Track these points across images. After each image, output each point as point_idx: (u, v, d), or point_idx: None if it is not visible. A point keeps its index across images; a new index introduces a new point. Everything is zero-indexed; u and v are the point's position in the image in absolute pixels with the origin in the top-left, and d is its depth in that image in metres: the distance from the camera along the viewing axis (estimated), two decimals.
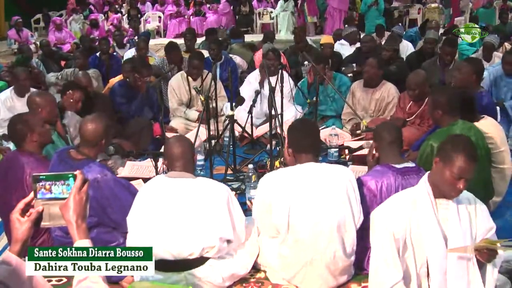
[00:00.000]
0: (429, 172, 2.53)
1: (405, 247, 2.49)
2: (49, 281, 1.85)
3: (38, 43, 10.26)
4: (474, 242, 2.45)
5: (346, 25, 9.86)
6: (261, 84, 5.45)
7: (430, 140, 3.31)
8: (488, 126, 3.60)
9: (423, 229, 2.45)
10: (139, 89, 5.31)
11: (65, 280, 2.95)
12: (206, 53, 6.83)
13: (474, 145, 2.48)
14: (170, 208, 2.72)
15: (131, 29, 12.61)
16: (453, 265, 2.43)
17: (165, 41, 13.51)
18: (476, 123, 3.55)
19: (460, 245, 2.41)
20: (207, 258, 2.79)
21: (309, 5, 13.12)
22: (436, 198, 2.47)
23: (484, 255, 2.39)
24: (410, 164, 2.98)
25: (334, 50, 7.45)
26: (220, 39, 7.82)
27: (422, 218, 2.45)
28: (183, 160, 2.82)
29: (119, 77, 6.03)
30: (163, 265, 2.71)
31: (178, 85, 5.69)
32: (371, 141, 4.04)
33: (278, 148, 4.26)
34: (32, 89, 5.48)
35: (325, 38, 7.65)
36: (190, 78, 5.64)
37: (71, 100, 4.49)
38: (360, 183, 2.94)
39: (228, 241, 2.84)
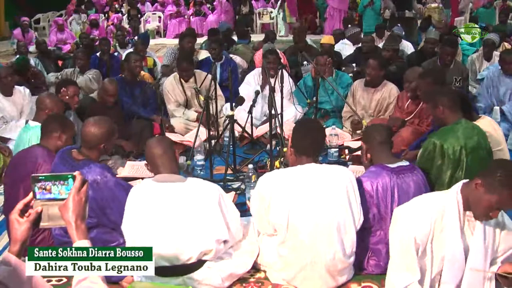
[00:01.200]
0: (463, 182, 2.46)
1: (424, 252, 2.46)
2: (49, 281, 1.86)
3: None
4: (496, 263, 2.43)
5: (349, 25, 9.84)
6: (263, 87, 5.44)
7: (432, 137, 3.30)
8: (487, 125, 3.60)
9: (445, 239, 2.42)
10: (137, 72, 5.42)
11: (65, 280, 2.95)
12: (207, 53, 6.84)
13: None
14: (164, 215, 2.69)
15: (130, 29, 12.61)
16: (469, 280, 2.41)
17: (165, 41, 13.58)
18: (474, 123, 3.55)
19: (479, 261, 2.38)
20: (205, 261, 2.79)
21: (289, 5, 13.10)
22: (465, 210, 2.42)
23: (505, 280, 2.35)
24: (404, 163, 2.98)
25: (336, 50, 7.45)
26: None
27: (447, 228, 2.42)
28: (166, 160, 2.77)
29: None
30: (161, 272, 2.70)
31: (172, 87, 5.67)
32: None
33: (278, 148, 4.27)
34: (17, 87, 5.48)
35: (326, 39, 7.63)
36: (183, 80, 5.64)
37: (67, 97, 4.50)
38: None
39: (225, 242, 2.83)
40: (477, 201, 2.33)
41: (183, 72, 5.54)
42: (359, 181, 2.94)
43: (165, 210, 2.69)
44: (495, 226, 2.45)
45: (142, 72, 6.23)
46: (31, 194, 1.55)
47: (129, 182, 3.44)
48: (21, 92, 5.46)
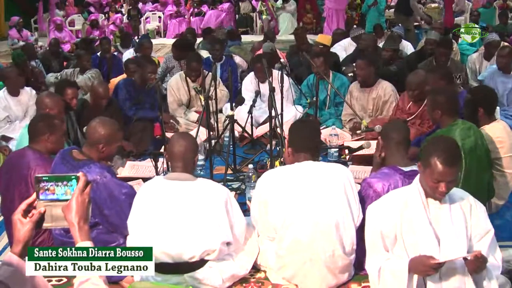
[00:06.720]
0: None
1: (396, 242, 2.51)
2: (49, 281, 1.85)
3: (40, 42, 10.24)
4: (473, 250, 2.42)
5: (354, 26, 9.83)
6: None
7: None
8: (500, 130, 3.57)
9: (415, 229, 2.45)
10: (146, 81, 5.27)
11: (65, 280, 2.96)
12: (205, 53, 6.83)
13: (453, 148, 2.41)
14: (171, 212, 2.71)
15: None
16: (446, 267, 2.40)
17: (165, 41, 13.56)
18: (487, 126, 3.54)
19: (452, 248, 2.40)
20: (207, 261, 2.79)
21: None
22: (428, 198, 2.47)
23: (470, 264, 2.33)
24: (417, 167, 2.96)
25: (339, 50, 7.45)
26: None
27: (414, 217, 2.46)
28: (184, 160, 2.80)
29: (120, 77, 6.03)
30: (163, 268, 2.71)
31: (177, 86, 5.68)
32: (371, 141, 4.05)
33: (278, 148, 4.27)
34: (24, 87, 5.51)
35: (321, 38, 7.59)
36: (188, 79, 5.64)
37: (67, 100, 4.49)
38: (366, 184, 2.92)
39: (228, 243, 2.84)
40: (423, 180, 2.43)
41: (192, 71, 5.54)
42: (368, 182, 2.92)
43: (172, 207, 2.71)
44: (463, 210, 2.47)
45: None
46: (34, 195, 1.55)
47: (129, 182, 3.45)
48: (28, 92, 5.54)
